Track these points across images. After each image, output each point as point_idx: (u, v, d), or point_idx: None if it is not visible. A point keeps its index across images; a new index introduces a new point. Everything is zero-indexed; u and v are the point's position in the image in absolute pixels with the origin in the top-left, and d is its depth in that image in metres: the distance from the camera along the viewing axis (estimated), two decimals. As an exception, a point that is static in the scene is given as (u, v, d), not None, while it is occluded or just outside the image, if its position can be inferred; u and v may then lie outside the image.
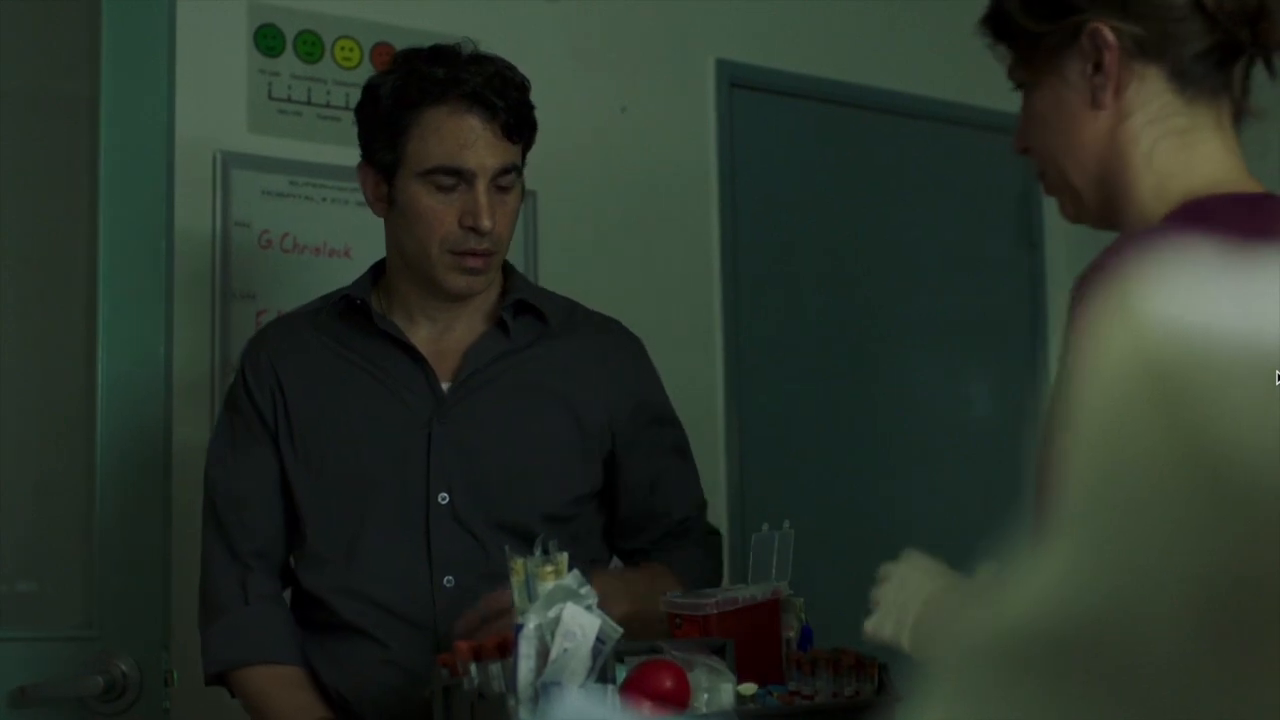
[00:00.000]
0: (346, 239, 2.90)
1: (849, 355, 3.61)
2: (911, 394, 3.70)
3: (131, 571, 2.54)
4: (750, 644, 1.80)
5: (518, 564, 1.66)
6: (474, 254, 2.09)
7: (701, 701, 1.67)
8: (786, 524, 1.94)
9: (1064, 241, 3.93)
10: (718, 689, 1.69)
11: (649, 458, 2.24)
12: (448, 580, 2.06)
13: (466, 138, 2.07)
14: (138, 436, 2.62)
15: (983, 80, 3.83)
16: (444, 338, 2.18)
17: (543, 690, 1.57)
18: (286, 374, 2.17)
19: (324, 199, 2.90)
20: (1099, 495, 0.43)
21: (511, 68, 2.13)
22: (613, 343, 2.26)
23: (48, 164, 2.66)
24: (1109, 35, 1.41)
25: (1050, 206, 3.95)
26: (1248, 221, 1.36)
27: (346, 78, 2.96)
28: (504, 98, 2.08)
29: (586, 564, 2.18)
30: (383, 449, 2.12)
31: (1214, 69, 1.40)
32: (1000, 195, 3.90)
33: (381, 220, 2.19)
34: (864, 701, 1.75)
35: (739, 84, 3.47)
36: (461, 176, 2.07)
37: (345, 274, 2.84)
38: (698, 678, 1.67)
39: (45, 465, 2.62)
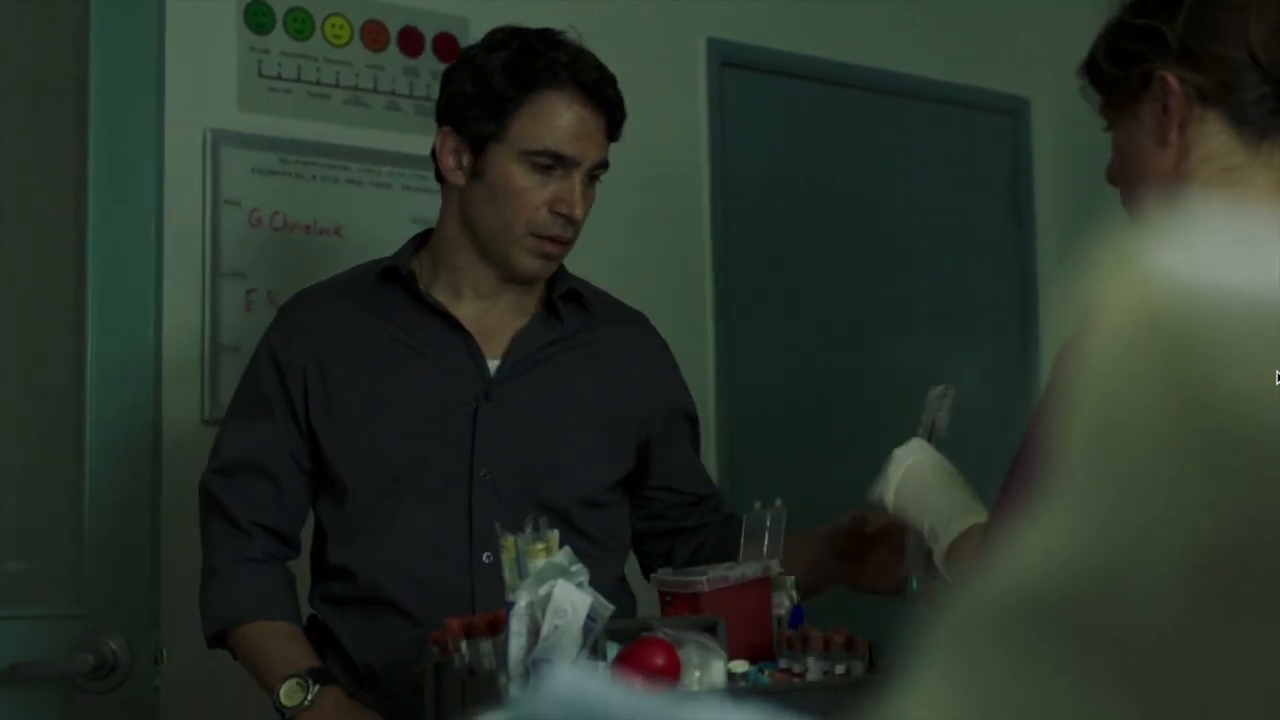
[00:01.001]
0: (337, 217, 2.89)
1: (840, 335, 3.61)
2: (902, 374, 3.70)
3: (121, 551, 2.54)
4: (741, 622, 1.80)
5: (508, 541, 1.66)
6: (555, 240, 2.13)
7: (693, 679, 1.67)
8: (778, 502, 1.94)
9: (1055, 223, 3.93)
10: (709, 666, 1.69)
11: (685, 449, 2.36)
12: (486, 556, 2.07)
13: (581, 128, 2.10)
14: (127, 415, 2.61)
15: (974, 60, 3.85)
16: (488, 315, 2.20)
17: (534, 667, 1.57)
18: (321, 346, 2.16)
19: (314, 177, 2.89)
20: (1097, 456, 0.43)
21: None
22: (645, 340, 2.34)
23: (37, 143, 2.65)
24: (1174, 82, 1.60)
25: (1042, 187, 3.97)
26: None
27: (336, 55, 2.95)
28: (614, 96, 2.14)
29: (624, 543, 2.28)
30: (427, 424, 2.13)
31: (1268, 115, 1.57)
32: (992, 176, 3.90)
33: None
34: (855, 680, 1.75)
35: (730, 63, 3.47)
36: (563, 163, 2.10)
37: (336, 252, 2.83)
38: (689, 655, 1.67)
39: (35, 445, 2.61)
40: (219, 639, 2.14)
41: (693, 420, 2.38)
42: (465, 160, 2.13)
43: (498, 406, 2.15)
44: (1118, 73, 1.67)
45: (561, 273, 2.25)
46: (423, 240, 2.27)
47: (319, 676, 2.02)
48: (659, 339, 2.36)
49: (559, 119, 2.09)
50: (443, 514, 2.10)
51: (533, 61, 2.09)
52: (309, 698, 1.99)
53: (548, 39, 2.13)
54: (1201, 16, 1.60)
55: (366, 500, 2.11)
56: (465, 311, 2.18)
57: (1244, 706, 0.41)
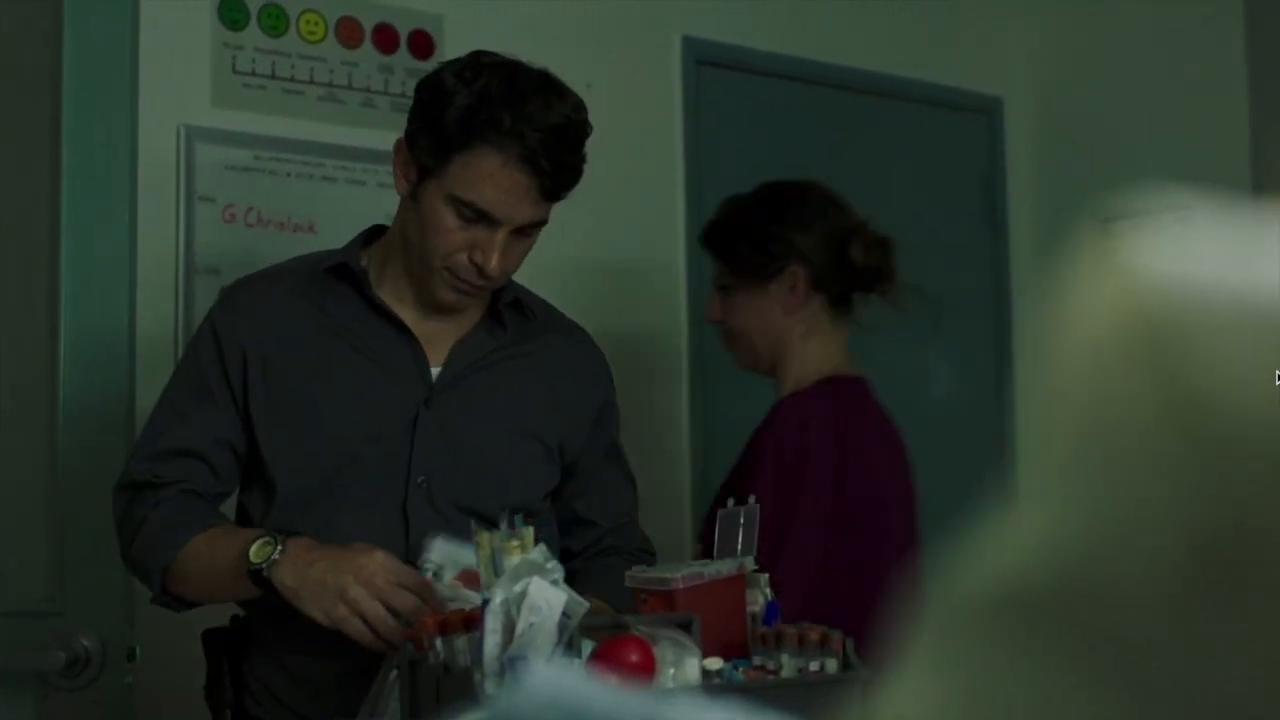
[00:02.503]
0: (311, 214, 2.89)
1: (814, 333, 3.61)
2: (874, 372, 3.70)
3: (94, 547, 2.53)
4: (716, 619, 1.81)
5: (483, 538, 1.66)
6: (471, 284, 2.11)
7: (667, 676, 1.67)
8: (752, 499, 1.94)
9: (1028, 222, 3.94)
10: (683, 664, 1.69)
11: (593, 467, 2.31)
12: (422, 562, 2.06)
13: (509, 192, 2.05)
14: (100, 412, 2.60)
15: (949, 59, 3.86)
16: (433, 320, 2.18)
17: (509, 664, 1.57)
18: (264, 335, 2.14)
19: (288, 173, 2.88)
20: (1083, 448, 0.43)
21: (578, 109, 2.10)
22: (586, 356, 2.32)
23: (10, 139, 2.64)
24: (803, 274, 2.51)
25: (1016, 186, 3.98)
26: (854, 389, 2.59)
27: (311, 51, 2.94)
28: (558, 161, 2.06)
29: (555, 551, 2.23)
30: (366, 427, 2.11)
31: (844, 297, 2.56)
32: (966, 175, 3.91)
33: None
34: (829, 676, 1.75)
35: (705, 61, 3.47)
36: (487, 219, 2.06)
37: (310, 249, 2.82)
38: (663, 652, 1.68)
39: (7, 442, 2.60)
40: (165, 591, 2.07)
41: (614, 440, 2.36)
42: (411, 176, 2.11)
43: (438, 414, 2.14)
44: (758, 259, 2.51)
45: (510, 281, 2.23)
46: (372, 235, 2.25)
47: (285, 534, 1.97)
48: (598, 354, 2.35)
49: (490, 179, 2.04)
50: (379, 519, 2.08)
51: (483, 116, 2.03)
52: (279, 549, 1.93)
53: (513, 87, 2.06)
54: (821, 234, 2.51)
55: (299, 499, 2.10)
56: (410, 313, 2.17)
57: (1231, 685, 0.41)
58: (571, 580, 2.25)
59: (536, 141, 2.03)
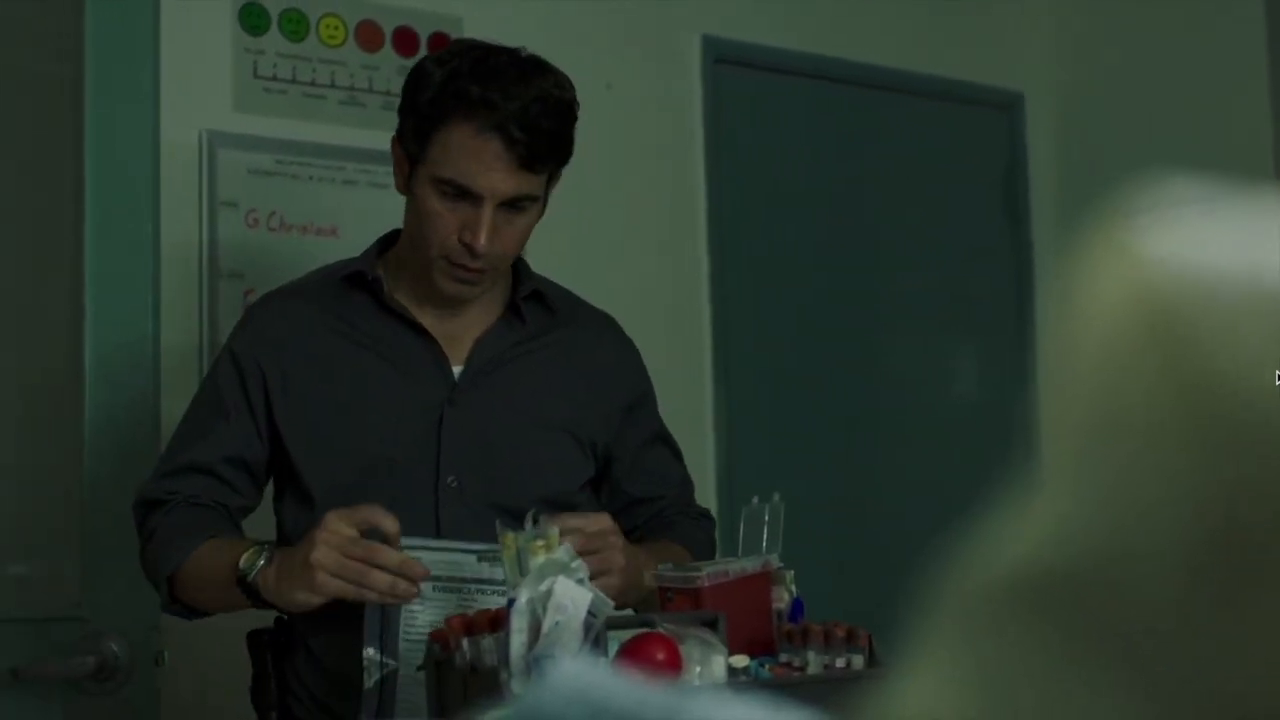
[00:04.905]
0: (333, 217, 2.90)
1: (836, 331, 3.61)
2: (898, 369, 3.70)
3: (122, 552, 2.54)
4: (742, 616, 1.81)
5: (509, 538, 1.66)
6: (466, 268, 2.09)
7: (694, 674, 1.67)
8: (776, 496, 1.94)
9: (1051, 217, 3.93)
10: (710, 661, 1.69)
11: (636, 450, 2.30)
12: None
13: (483, 162, 2.03)
14: (126, 417, 2.61)
15: (969, 55, 3.85)
16: (452, 320, 2.18)
17: (535, 664, 1.58)
18: (284, 352, 2.15)
19: (310, 177, 2.89)
20: (1096, 436, 0.44)
21: (561, 86, 2.09)
22: (611, 344, 2.31)
23: (34, 144, 2.65)
24: None
25: (1038, 181, 3.97)
26: None
27: (331, 55, 2.95)
28: (531, 130, 2.03)
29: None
30: (393, 430, 2.12)
31: None
32: (987, 170, 3.90)
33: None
34: (856, 673, 1.75)
35: (724, 60, 3.47)
36: (469, 195, 2.05)
37: (332, 253, 2.83)
38: (690, 650, 1.68)
39: (34, 447, 2.62)
40: (174, 598, 2.10)
41: (653, 419, 2.34)
42: (405, 171, 2.12)
43: (462, 413, 2.14)
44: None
45: (525, 274, 2.23)
46: (387, 241, 2.26)
47: (276, 546, 2.00)
48: (625, 342, 2.34)
49: (461, 148, 2.03)
50: (410, 522, 2.08)
51: (453, 91, 2.03)
52: (264, 557, 1.95)
53: (485, 64, 2.05)
54: None
55: (333, 506, 2.10)
56: (429, 316, 2.17)
57: (1242, 678, 0.41)
58: (645, 537, 2.26)
59: (510, 110, 2.02)
